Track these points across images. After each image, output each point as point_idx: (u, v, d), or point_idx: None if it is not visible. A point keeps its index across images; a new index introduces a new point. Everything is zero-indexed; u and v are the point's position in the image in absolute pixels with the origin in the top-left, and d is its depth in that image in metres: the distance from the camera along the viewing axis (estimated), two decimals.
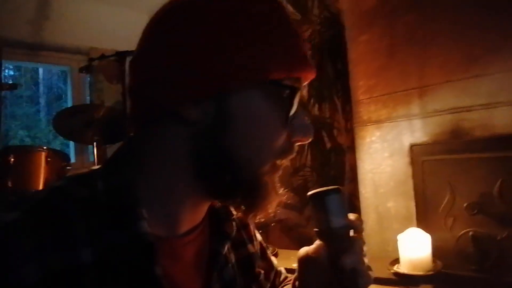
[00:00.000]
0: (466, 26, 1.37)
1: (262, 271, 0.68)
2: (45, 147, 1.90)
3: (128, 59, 2.00)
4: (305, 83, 0.54)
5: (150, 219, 0.47)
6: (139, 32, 0.52)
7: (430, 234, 1.28)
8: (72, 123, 2.08)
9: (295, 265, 0.62)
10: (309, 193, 0.54)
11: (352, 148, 1.77)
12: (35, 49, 2.80)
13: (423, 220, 1.44)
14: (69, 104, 3.03)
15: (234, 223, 0.61)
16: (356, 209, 1.74)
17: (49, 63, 3.08)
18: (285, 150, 0.51)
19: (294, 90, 0.49)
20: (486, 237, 1.28)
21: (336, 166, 2.26)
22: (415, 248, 1.25)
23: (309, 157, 2.30)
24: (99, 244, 0.43)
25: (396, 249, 1.33)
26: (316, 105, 2.26)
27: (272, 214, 0.53)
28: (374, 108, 1.63)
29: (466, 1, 1.37)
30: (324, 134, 2.28)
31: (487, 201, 1.28)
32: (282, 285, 0.74)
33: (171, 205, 0.51)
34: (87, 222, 0.43)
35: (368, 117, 1.65)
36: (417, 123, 1.49)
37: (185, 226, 0.54)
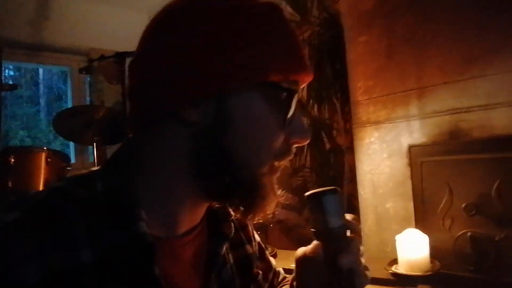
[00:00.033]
0: (465, 27, 1.37)
1: (261, 272, 0.68)
2: (45, 148, 1.91)
3: (128, 59, 2.01)
4: (303, 86, 0.55)
5: (149, 220, 0.47)
6: (139, 32, 0.52)
7: (428, 234, 1.28)
8: (72, 123, 2.08)
9: (293, 266, 0.63)
10: (307, 193, 0.54)
11: (351, 149, 1.78)
12: (35, 49, 2.80)
13: (422, 220, 1.44)
14: (69, 104, 3.04)
15: (232, 224, 0.61)
16: (355, 209, 1.74)
17: (49, 63, 3.09)
18: (283, 152, 0.52)
19: (291, 92, 0.50)
20: (484, 237, 1.28)
21: (335, 167, 2.27)
22: (413, 248, 1.26)
23: (308, 157, 2.29)
24: (98, 244, 0.43)
25: (394, 250, 1.33)
26: (315, 106, 2.26)
27: (270, 215, 0.54)
28: (372, 109, 1.63)
29: (464, 2, 1.38)
30: (323, 134, 2.28)
31: (485, 202, 1.29)
32: (281, 285, 0.74)
33: (170, 206, 0.52)
34: (86, 222, 0.44)
35: (366, 118, 1.65)
36: (416, 124, 1.50)
37: (184, 227, 0.54)
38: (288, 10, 2.24)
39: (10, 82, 4.67)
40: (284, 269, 0.78)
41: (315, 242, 0.58)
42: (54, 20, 2.80)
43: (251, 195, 0.50)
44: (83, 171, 0.51)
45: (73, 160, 2.89)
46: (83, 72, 2.35)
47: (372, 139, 1.63)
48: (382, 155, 1.60)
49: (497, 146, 1.29)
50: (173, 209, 0.52)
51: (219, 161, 0.48)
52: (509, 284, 1.22)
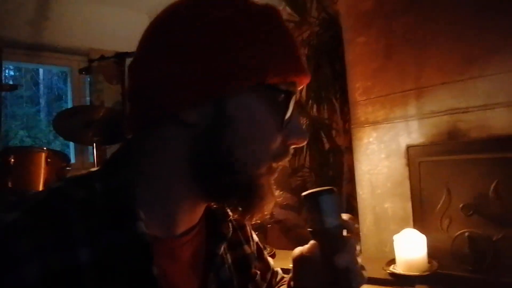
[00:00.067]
0: (463, 28, 1.38)
1: (259, 272, 0.69)
2: (45, 148, 1.91)
3: (128, 60, 2.02)
4: (300, 87, 0.55)
5: (147, 220, 0.47)
6: (139, 33, 0.53)
7: (426, 234, 1.28)
8: (72, 123, 2.09)
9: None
10: (303, 193, 0.55)
11: (350, 149, 1.78)
12: (35, 49, 2.81)
13: (420, 220, 1.45)
14: (69, 104, 3.04)
15: (230, 224, 0.62)
16: (354, 209, 1.74)
17: (49, 64, 3.09)
18: (281, 153, 0.52)
19: (289, 94, 0.50)
20: (482, 238, 1.28)
21: (334, 167, 2.27)
22: (411, 248, 1.26)
23: (307, 158, 2.30)
24: (98, 245, 0.44)
25: (393, 250, 1.33)
26: (315, 106, 2.27)
27: (268, 216, 0.54)
28: (371, 109, 1.64)
29: (463, 2, 1.38)
30: (322, 135, 2.28)
31: (483, 202, 1.29)
32: (279, 285, 0.74)
33: (169, 206, 0.52)
34: (86, 222, 0.44)
35: (365, 118, 1.66)
36: (414, 124, 1.50)
37: (182, 227, 0.54)
38: (287, 10, 2.25)
39: (11, 82, 4.67)
40: (283, 269, 0.78)
41: (311, 242, 0.58)
42: (54, 20, 2.81)
43: (249, 195, 0.50)
44: (82, 172, 0.52)
45: (73, 160, 2.89)
46: (83, 73, 2.35)
47: (371, 139, 1.64)
48: (381, 155, 1.60)
49: (495, 147, 1.29)
50: (171, 209, 0.52)
51: (218, 162, 0.48)
52: (507, 284, 1.23)
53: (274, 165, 0.53)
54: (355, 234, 0.57)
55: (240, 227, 0.69)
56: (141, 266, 0.45)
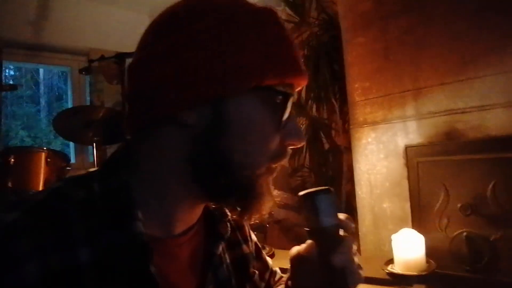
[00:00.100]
0: (461, 29, 1.38)
1: (257, 271, 0.69)
2: (45, 148, 1.91)
3: (128, 60, 2.02)
4: (298, 89, 0.56)
5: (146, 220, 0.48)
6: (139, 33, 0.53)
7: (424, 234, 1.29)
8: (72, 123, 2.09)
9: None
10: (300, 193, 0.56)
11: (349, 149, 1.78)
12: (35, 49, 2.81)
13: (418, 220, 1.45)
14: (70, 104, 3.05)
15: (228, 224, 0.62)
16: (353, 209, 1.75)
17: (49, 64, 3.10)
18: (279, 154, 0.52)
19: (287, 96, 0.51)
20: (479, 237, 1.29)
21: (334, 167, 2.27)
22: (408, 248, 1.26)
23: (307, 157, 2.30)
24: (97, 245, 0.44)
25: (391, 249, 1.33)
26: (314, 106, 2.27)
27: (266, 215, 0.55)
28: (369, 110, 1.64)
29: (460, 3, 1.39)
30: (322, 135, 2.29)
31: (481, 202, 1.29)
32: (277, 285, 0.75)
33: (167, 206, 0.52)
34: (85, 223, 0.45)
35: (363, 118, 1.66)
36: (412, 125, 1.51)
37: (180, 227, 0.55)
38: (287, 11, 2.26)
39: (11, 82, 4.67)
40: (282, 268, 0.78)
41: (308, 241, 0.58)
42: (54, 20, 2.81)
43: (247, 196, 0.51)
44: (82, 172, 0.52)
45: (73, 160, 2.90)
46: (83, 73, 2.36)
47: (369, 139, 1.64)
48: (379, 155, 1.61)
49: (493, 147, 1.30)
50: (170, 210, 0.53)
51: (216, 163, 0.49)
52: (504, 283, 1.23)
53: (272, 165, 0.53)
54: (352, 234, 0.58)
55: (238, 227, 0.69)
56: (139, 265, 0.45)
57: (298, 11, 2.26)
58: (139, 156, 0.52)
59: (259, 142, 0.50)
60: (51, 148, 1.98)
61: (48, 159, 1.85)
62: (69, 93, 3.14)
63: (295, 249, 0.61)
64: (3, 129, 2.56)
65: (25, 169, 1.81)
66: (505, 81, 1.29)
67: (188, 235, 0.56)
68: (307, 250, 0.58)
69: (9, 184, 1.76)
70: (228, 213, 0.63)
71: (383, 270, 1.29)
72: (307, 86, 2.09)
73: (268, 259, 0.78)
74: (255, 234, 0.76)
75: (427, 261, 1.28)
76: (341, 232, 0.55)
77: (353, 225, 0.57)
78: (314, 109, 2.28)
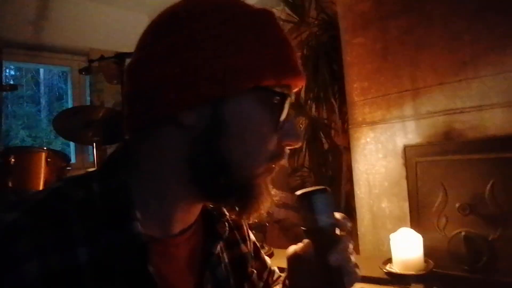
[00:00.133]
0: (459, 29, 1.38)
1: (255, 271, 0.69)
2: (45, 148, 1.92)
3: (128, 60, 2.02)
4: (295, 90, 0.56)
5: (144, 220, 0.48)
6: (139, 33, 0.54)
7: (423, 234, 1.29)
8: (72, 123, 2.09)
9: None
10: (297, 193, 0.56)
11: (349, 149, 1.79)
12: (35, 50, 2.82)
13: (416, 220, 1.45)
14: (70, 104, 3.05)
15: (227, 224, 0.63)
16: (352, 209, 1.75)
17: (49, 64, 3.10)
18: (277, 154, 0.53)
19: (284, 97, 0.51)
20: (478, 237, 1.29)
21: (333, 167, 2.28)
22: (407, 248, 1.27)
23: (307, 157, 2.31)
24: (96, 245, 0.44)
25: (390, 249, 1.34)
26: (314, 106, 2.28)
27: (265, 215, 0.55)
28: (368, 110, 1.64)
29: (460, 3, 1.39)
30: (321, 134, 2.29)
31: (479, 202, 1.29)
32: (275, 284, 0.75)
33: (165, 206, 0.53)
34: (84, 223, 0.45)
35: (362, 118, 1.67)
36: (411, 125, 1.51)
37: (178, 227, 0.55)
38: (286, 11, 2.26)
39: (11, 82, 4.68)
40: (281, 268, 0.79)
41: (305, 241, 0.59)
42: (54, 20, 2.82)
43: (246, 196, 0.51)
44: (81, 173, 0.52)
45: (73, 160, 2.90)
46: (83, 73, 2.36)
47: (368, 139, 1.65)
48: (378, 155, 1.61)
49: (491, 147, 1.30)
50: (169, 210, 0.53)
51: (215, 163, 0.49)
52: (502, 283, 1.23)
53: (270, 165, 0.53)
54: (349, 233, 0.58)
55: (237, 227, 0.69)
56: (138, 265, 0.46)
57: (297, 11, 2.27)
58: (138, 156, 0.53)
59: (257, 142, 0.50)
60: (51, 148, 1.98)
61: (48, 159, 1.86)
62: (69, 93, 3.14)
63: (292, 249, 0.61)
64: (3, 129, 2.56)
65: (25, 169, 1.82)
66: (504, 81, 1.29)
67: (186, 235, 0.56)
68: (304, 249, 0.59)
69: (9, 184, 1.76)
70: (226, 213, 0.64)
71: (382, 269, 1.29)
72: (306, 86, 2.10)
73: (266, 258, 0.78)
74: (254, 234, 0.76)
75: (425, 261, 1.28)
76: (338, 232, 0.56)
77: (349, 225, 0.57)
78: (313, 109, 2.28)
